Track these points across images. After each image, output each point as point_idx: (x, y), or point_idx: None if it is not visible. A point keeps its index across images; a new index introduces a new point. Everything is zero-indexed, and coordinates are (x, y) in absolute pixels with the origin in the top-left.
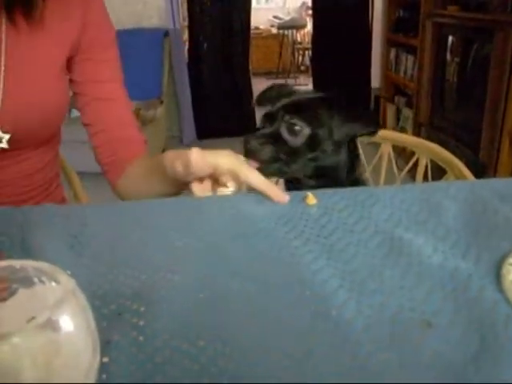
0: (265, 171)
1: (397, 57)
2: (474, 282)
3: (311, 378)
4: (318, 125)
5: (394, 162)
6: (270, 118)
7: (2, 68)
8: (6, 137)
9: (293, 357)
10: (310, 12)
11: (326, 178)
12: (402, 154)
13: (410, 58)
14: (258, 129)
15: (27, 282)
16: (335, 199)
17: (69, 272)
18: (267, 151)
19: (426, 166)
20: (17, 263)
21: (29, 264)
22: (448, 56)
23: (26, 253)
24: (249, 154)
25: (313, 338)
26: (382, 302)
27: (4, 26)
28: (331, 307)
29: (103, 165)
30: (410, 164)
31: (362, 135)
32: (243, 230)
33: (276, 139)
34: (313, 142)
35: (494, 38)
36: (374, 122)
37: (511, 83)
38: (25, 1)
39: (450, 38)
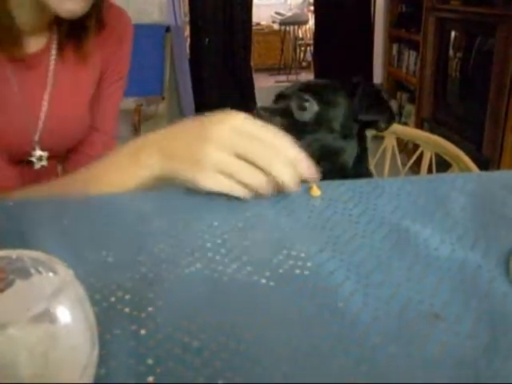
0: None
1: (399, 52)
2: (483, 274)
3: (317, 371)
4: (327, 103)
5: (397, 155)
6: (282, 97)
7: (48, 94)
8: (45, 154)
9: (299, 350)
10: (312, 8)
11: (331, 162)
12: (405, 148)
13: (413, 53)
14: None
15: (24, 272)
16: (340, 191)
17: (66, 264)
18: (275, 123)
19: (431, 160)
20: (13, 253)
21: (25, 254)
22: (451, 51)
23: (25, 246)
24: None
25: (319, 331)
26: (390, 295)
27: (53, 57)
28: (338, 299)
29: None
30: (414, 157)
31: (375, 125)
32: (245, 221)
33: (285, 113)
34: (320, 120)
35: (497, 33)
36: (390, 113)
37: None
38: (78, 37)
39: (453, 33)
